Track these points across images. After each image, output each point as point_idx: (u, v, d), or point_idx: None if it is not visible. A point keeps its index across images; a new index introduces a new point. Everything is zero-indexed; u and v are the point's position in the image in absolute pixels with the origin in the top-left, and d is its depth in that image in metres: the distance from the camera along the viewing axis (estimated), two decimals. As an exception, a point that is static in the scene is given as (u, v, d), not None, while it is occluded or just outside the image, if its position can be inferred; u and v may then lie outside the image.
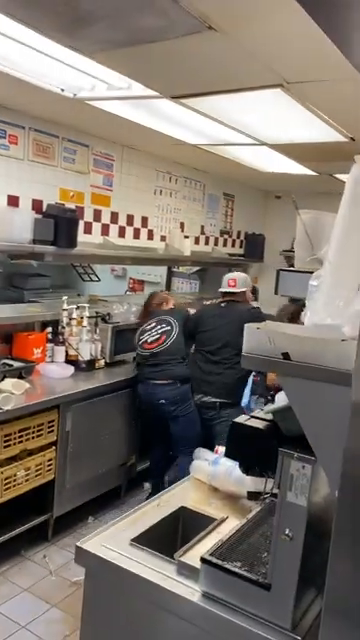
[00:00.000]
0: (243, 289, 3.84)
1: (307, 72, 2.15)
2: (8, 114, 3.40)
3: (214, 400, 3.61)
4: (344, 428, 1.11)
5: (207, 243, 5.78)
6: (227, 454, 1.52)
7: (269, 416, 1.42)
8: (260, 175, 4.94)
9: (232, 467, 1.94)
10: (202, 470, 2.09)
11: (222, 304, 3.85)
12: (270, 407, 1.42)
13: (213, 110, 2.93)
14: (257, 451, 1.40)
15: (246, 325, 1.33)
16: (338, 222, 1.49)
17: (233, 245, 6.27)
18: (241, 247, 6.40)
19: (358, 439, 1.11)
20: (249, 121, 3.12)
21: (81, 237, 3.88)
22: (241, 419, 1.44)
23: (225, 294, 3.86)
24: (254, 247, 6.35)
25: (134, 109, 3.09)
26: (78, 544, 1.63)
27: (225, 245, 6.11)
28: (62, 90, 2.79)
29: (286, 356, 1.25)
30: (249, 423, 1.42)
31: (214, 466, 2.04)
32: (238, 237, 6.35)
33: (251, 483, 1.84)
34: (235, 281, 3.86)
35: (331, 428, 1.18)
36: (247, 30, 1.84)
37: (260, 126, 3.22)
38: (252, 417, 1.45)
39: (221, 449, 2.16)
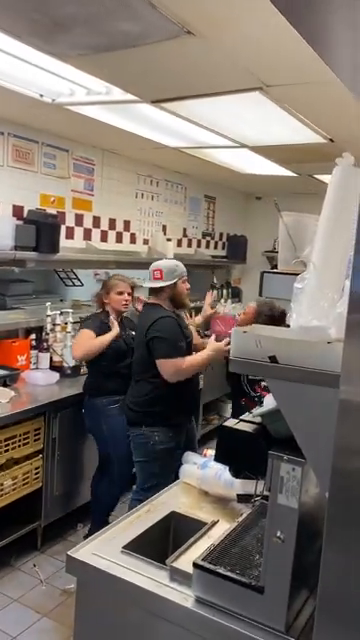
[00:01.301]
0: (171, 281, 3.02)
1: (286, 75, 2.17)
2: (-14, 120, 3.37)
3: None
4: (332, 429, 1.12)
5: (190, 245, 5.79)
6: (217, 458, 1.52)
7: (258, 419, 1.42)
8: (241, 177, 4.96)
9: (221, 470, 1.94)
10: (191, 474, 2.09)
11: (145, 305, 3.23)
12: (259, 410, 1.43)
13: (193, 113, 2.93)
14: (246, 454, 1.40)
15: (233, 329, 1.33)
16: (321, 224, 1.50)
17: (215, 247, 6.29)
18: (223, 249, 6.42)
19: (346, 438, 1.11)
20: (229, 124, 3.14)
21: (63, 242, 3.86)
22: (230, 423, 1.44)
23: (150, 291, 3.16)
24: (236, 248, 6.38)
25: (114, 114, 3.09)
26: (69, 553, 1.61)
27: (208, 247, 6.13)
28: (41, 95, 2.77)
29: (273, 359, 1.25)
30: (238, 427, 1.42)
31: (203, 469, 2.04)
32: (220, 239, 6.37)
33: (240, 486, 1.85)
34: (161, 272, 3.03)
35: (319, 429, 1.19)
36: (225, 34, 1.84)
37: (240, 129, 3.24)
38: (241, 420, 1.45)
39: (210, 452, 2.17)
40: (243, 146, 3.64)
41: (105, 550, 1.63)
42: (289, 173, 4.57)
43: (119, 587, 1.53)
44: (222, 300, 5.74)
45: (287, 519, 1.30)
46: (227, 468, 1.61)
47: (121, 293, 3.38)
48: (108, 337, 3.26)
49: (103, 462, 3.39)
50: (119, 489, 3.41)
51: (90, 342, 3.25)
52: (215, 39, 1.89)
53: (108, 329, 3.30)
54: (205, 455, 2.20)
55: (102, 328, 3.31)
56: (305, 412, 1.22)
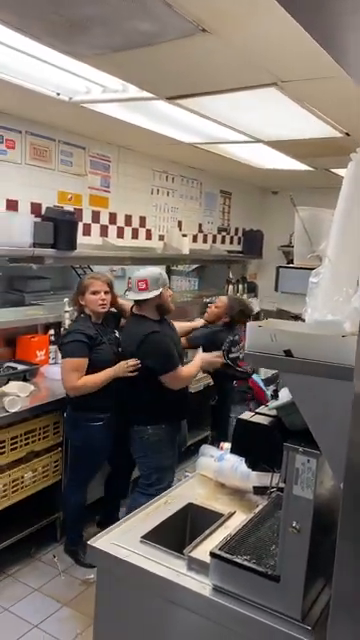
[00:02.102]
0: (156, 292, 2.99)
1: (300, 71, 2.17)
2: (5, 119, 3.42)
3: None
4: (347, 421, 1.14)
5: (205, 241, 5.80)
6: (233, 450, 1.55)
7: (273, 412, 1.45)
8: (257, 172, 4.96)
9: (237, 463, 1.97)
10: (208, 466, 2.12)
11: (131, 316, 3.18)
12: (274, 403, 1.45)
13: (208, 109, 2.95)
14: (262, 447, 1.43)
15: (248, 323, 1.35)
16: (336, 218, 1.51)
17: (231, 242, 6.30)
18: (239, 244, 6.42)
19: (361, 431, 1.13)
20: (244, 119, 3.15)
21: (80, 239, 3.90)
22: (246, 416, 1.47)
23: (135, 303, 3.10)
24: (252, 243, 6.37)
25: (129, 111, 3.12)
26: (89, 542, 1.66)
27: (223, 242, 6.13)
28: (58, 94, 2.81)
29: (288, 353, 1.27)
30: (254, 419, 1.45)
31: (220, 462, 2.07)
32: (236, 234, 6.37)
33: (256, 478, 1.87)
34: (146, 283, 2.99)
35: (334, 422, 1.21)
36: (240, 32, 1.86)
37: (256, 124, 3.25)
38: (257, 413, 1.48)
39: (226, 445, 2.19)
40: (258, 141, 3.64)
41: (124, 540, 1.67)
42: (305, 167, 4.56)
43: (138, 575, 1.57)
44: (238, 295, 5.75)
45: (302, 510, 1.33)
46: (243, 460, 1.63)
47: (96, 292, 3.05)
48: (108, 374, 2.95)
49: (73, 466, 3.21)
50: (80, 495, 3.20)
51: (86, 380, 2.92)
52: (230, 36, 1.90)
53: (97, 339, 3.01)
54: (222, 448, 2.22)
55: (90, 342, 2.97)
56: (319, 405, 1.24)
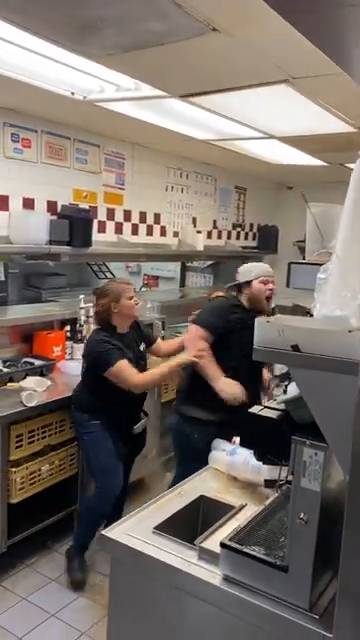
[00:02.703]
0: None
1: (311, 67, 2.18)
2: (21, 118, 3.48)
3: None
4: (352, 415, 1.16)
5: (220, 237, 5.82)
6: (242, 443, 1.58)
7: (282, 406, 1.47)
8: (271, 167, 4.96)
9: (249, 456, 2.00)
10: (220, 460, 2.15)
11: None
12: (282, 397, 1.48)
13: (221, 107, 2.97)
14: (270, 439, 1.46)
15: (256, 319, 1.38)
16: (344, 214, 1.53)
17: (246, 238, 6.30)
18: (254, 239, 6.43)
19: (366, 424, 1.16)
20: (257, 116, 3.16)
21: (95, 236, 3.96)
22: (255, 409, 1.50)
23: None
24: (267, 239, 6.37)
25: (143, 109, 3.15)
26: (103, 532, 1.70)
27: (238, 238, 6.14)
28: (72, 93, 2.85)
29: (295, 348, 1.30)
30: (262, 413, 1.48)
31: (232, 456, 2.10)
32: (251, 229, 6.37)
33: (267, 472, 1.90)
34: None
35: (340, 415, 1.23)
36: (249, 30, 1.88)
37: (268, 120, 3.26)
38: (266, 407, 1.51)
39: (238, 439, 2.22)
40: (271, 137, 3.65)
41: (137, 530, 1.72)
42: (319, 162, 4.55)
43: (150, 565, 1.61)
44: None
45: (310, 502, 1.35)
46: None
47: (132, 297, 2.94)
48: (177, 363, 2.89)
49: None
50: (101, 505, 2.97)
51: (149, 375, 2.88)
52: (240, 35, 1.92)
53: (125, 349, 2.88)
54: (234, 442, 2.25)
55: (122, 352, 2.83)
56: (326, 399, 1.27)
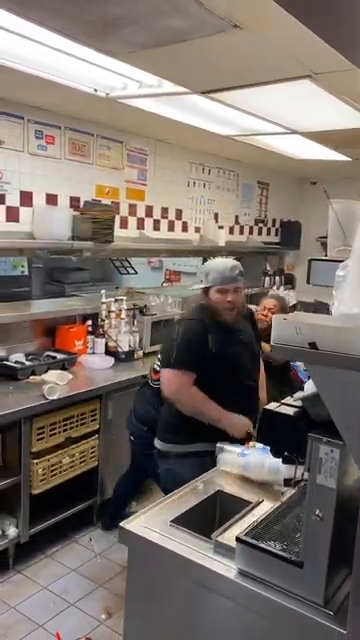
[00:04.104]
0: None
1: (333, 63, 2.16)
2: (45, 115, 3.52)
3: None
4: (368, 413, 1.16)
5: (242, 232, 5.80)
6: (259, 439, 1.58)
7: (299, 403, 1.48)
8: (294, 162, 4.93)
9: (263, 457, 1.99)
10: (233, 462, 2.09)
11: None
12: (300, 394, 1.48)
13: (243, 102, 2.96)
14: (287, 436, 1.46)
15: (274, 316, 1.38)
16: (364, 212, 1.52)
17: (268, 233, 6.27)
18: (276, 235, 6.39)
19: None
20: (279, 111, 3.14)
21: (118, 232, 3.99)
22: (272, 406, 1.51)
23: None
24: (290, 235, 6.33)
25: (165, 105, 3.16)
26: (121, 524, 1.73)
27: (260, 234, 6.12)
28: (95, 90, 2.88)
29: (313, 345, 1.30)
30: (280, 410, 1.48)
31: (244, 457, 2.09)
32: (273, 225, 6.34)
33: (286, 471, 1.89)
34: None
35: (357, 413, 1.23)
36: (270, 26, 1.87)
37: (291, 115, 3.24)
38: (283, 404, 1.51)
39: (252, 443, 2.22)
40: (294, 132, 3.63)
41: (155, 523, 1.74)
42: (342, 157, 4.51)
43: (167, 557, 1.63)
44: (275, 287, 5.74)
45: (326, 498, 1.36)
46: (269, 454, 1.66)
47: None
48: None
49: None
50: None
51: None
52: (261, 31, 1.92)
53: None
54: (247, 446, 2.22)
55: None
56: (343, 396, 1.27)
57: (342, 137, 3.66)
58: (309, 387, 1.47)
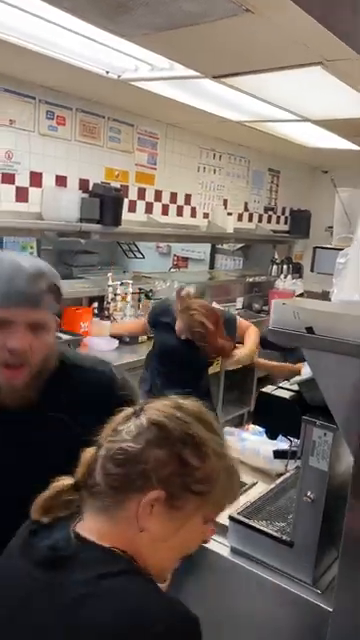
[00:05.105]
0: None
1: (345, 50, 2.15)
2: (56, 96, 3.52)
3: None
4: (361, 397, 1.19)
5: (251, 220, 5.79)
6: (255, 421, 1.61)
7: (295, 387, 1.50)
8: (306, 150, 4.90)
9: (259, 445, 2.02)
10: (231, 445, 2.15)
11: None
12: (296, 378, 1.51)
13: (254, 88, 2.95)
14: (282, 419, 1.49)
15: (273, 300, 1.40)
16: (367, 201, 1.53)
17: (278, 222, 6.25)
18: (286, 223, 6.37)
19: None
20: (291, 98, 3.12)
21: (126, 215, 3.99)
22: (268, 389, 1.53)
23: None
24: (299, 223, 6.31)
25: (177, 89, 3.15)
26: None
27: (269, 222, 6.10)
28: (107, 72, 2.87)
29: (310, 330, 1.32)
30: (276, 393, 1.51)
31: (242, 443, 2.12)
32: (283, 213, 6.32)
33: (281, 463, 1.92)
34: None
35: (350, 398, 1.26)
36: (283, 11, 1.86)
37: (302, 102, 3.22)
38: (279, 387, 1.54)
39: (251, 427, 2.25)
40: (306, 120, 3.61)
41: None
42: (355, 147, 4.47)
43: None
44: (282, 276, 5.73)
45: (317, 480, 1.39)
46: (264, 442, 1.69)
47: None
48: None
49: None
50: None
51: None
52: (273, 16, 1.91)
53: None
54: (247, 429, 2.26)
55: None
56: (337, 380, 1.29)
57: (354, 125, 3.64)
58: (306, 371, 1.50)
